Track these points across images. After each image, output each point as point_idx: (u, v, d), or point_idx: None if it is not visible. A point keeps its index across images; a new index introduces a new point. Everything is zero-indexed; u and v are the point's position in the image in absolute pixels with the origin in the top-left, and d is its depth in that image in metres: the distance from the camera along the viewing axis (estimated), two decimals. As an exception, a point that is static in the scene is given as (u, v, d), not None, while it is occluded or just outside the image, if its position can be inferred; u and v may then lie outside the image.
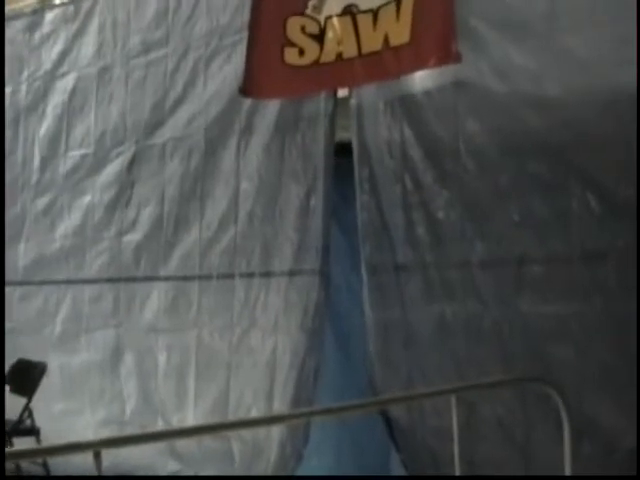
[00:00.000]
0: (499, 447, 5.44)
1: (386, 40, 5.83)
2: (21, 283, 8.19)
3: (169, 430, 6.23)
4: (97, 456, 3.38)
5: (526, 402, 5.26)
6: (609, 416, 5.01)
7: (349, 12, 5.99)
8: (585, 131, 5.12)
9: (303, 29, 6.18)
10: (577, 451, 4.50)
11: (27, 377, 6.97)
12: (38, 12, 8.37)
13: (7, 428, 6.60)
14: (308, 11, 6.17)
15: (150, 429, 6.81)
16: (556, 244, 5.25)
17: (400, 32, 5.77)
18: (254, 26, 6.48)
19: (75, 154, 7.92)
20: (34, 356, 7.20)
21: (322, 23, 6.11)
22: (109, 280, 7.55)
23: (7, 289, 8.17)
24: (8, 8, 8.50)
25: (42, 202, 8.15)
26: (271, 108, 6.59)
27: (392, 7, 5.77)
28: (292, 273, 6.41)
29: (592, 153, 5.10)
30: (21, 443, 6.47)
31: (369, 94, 6.11)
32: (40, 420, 6.76)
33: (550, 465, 4.91)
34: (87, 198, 7.79)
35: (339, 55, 6.04)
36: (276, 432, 6.29)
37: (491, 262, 5.47)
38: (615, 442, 5.00)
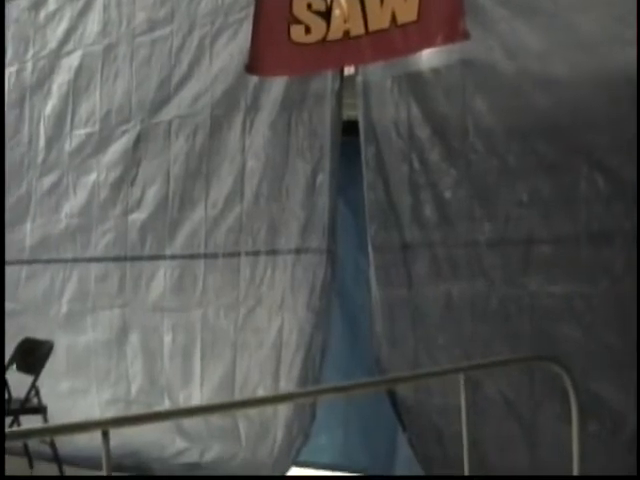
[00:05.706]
0: (504, 426, 5.45)
1: (393, 18, 5.77)
2: (28, 262, 8.19)
3: (177, 409, 6.24)
4: (105, 435, 3.38)
5: (533, 381, 5.27)
6: (614, 396, 5.01)
7: (356, -11, 5.94)
8: (593, 111, 5.08)
9: (309, 6, 6.13)
10: (583, 430, 4.50)
11: (34, 355, 6.95)
12: (43, -10, 8.32)
13: (14, 406, 6.62)
14: (315, -12, 6.12)
15: (156, 408, 6.85)
16: (563, 224, 5.22)
17: (407, 10, 5.71)
18: (260, 3, 6.45)
19: (80, 132, 7.88)
20: (40, 335, 7.18)
21: (329, 0, 6.07)
22: (115, 259, 7.55)
23: (14, 268, 8.17)
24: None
25: (48, 181, 8.12)
26: (277, 86, 6.55)
27: (400, -16, 5.72)
28: (298, 251, 6.39)
29: (600, 134, 5.06)
30: (28, 421, 6.49)
31: (376, 72, 6.06)
32: (46, 399, 6.76)
33: (555, 444, 4.93)
34: (93, 177, 7.76)
35: (346, 33, 5.99)
36: (283, 411, 6.30)
37: (498, 242, 5.45)
38: (620, 421, 5.01)
